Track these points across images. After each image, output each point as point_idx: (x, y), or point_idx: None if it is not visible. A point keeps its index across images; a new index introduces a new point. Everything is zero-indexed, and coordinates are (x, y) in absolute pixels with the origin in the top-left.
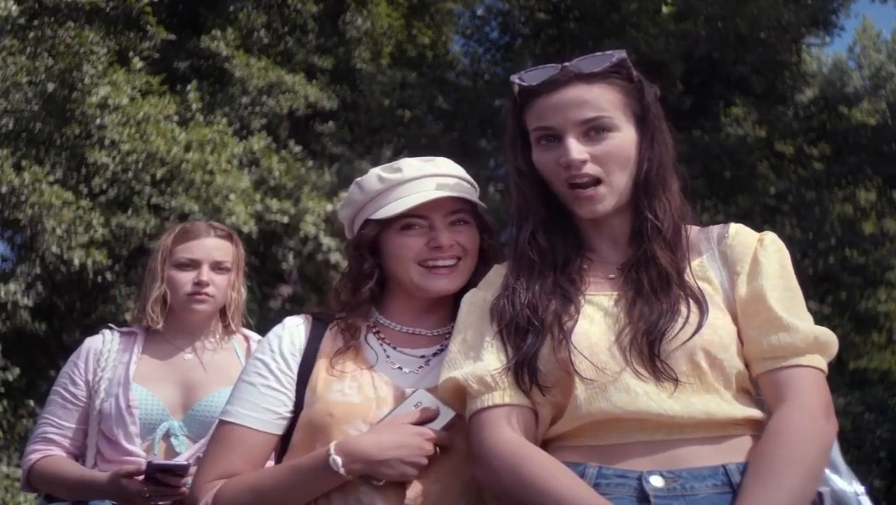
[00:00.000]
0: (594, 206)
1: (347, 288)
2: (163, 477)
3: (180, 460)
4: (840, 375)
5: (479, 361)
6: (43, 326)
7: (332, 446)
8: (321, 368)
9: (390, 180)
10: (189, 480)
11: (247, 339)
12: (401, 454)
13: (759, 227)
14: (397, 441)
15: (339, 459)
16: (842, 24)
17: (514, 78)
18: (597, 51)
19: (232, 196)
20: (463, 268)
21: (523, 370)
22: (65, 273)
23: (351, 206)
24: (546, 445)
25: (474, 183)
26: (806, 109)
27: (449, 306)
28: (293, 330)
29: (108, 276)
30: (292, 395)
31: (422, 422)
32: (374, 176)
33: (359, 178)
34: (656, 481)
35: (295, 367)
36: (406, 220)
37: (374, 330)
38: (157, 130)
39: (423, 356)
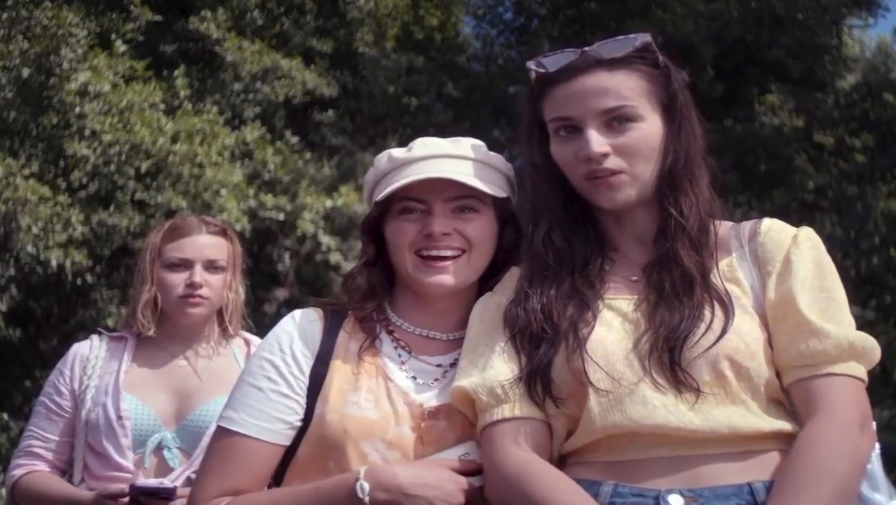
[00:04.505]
0: (614, 193)
1: (354, 278)
2: (147, 501)
3: (166, 483)
4: (884, 385)
5: (489, 370)
6: (17, 333)
7: (362, 471)
8: (335, 372)
9: (397, 159)
10: (177, 503)
11: (247, 343)
12: (432, 495)
13: (796, 225)
14: (433, 481)
15: (366, 486)
16: (886, 3)
17: (531, 64)
18: (620, 33)
19: (223, 191)
20: (467, 262)
21: (536, 381)
22: (41, 275)
23: (367, 186)
24: (563, 460)
25: (509, 172)
26: (847, 97)
27: (467, 307)
28: (306, 326)
29: (89, 278)
30: (303, 401)
31: (462, 472)
32: (386, 154)
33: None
34: (675, 501)
35: (307, 369)
36: (404, 204)
37: (388, 329)
38: (141, 120)
39: (439, 365)
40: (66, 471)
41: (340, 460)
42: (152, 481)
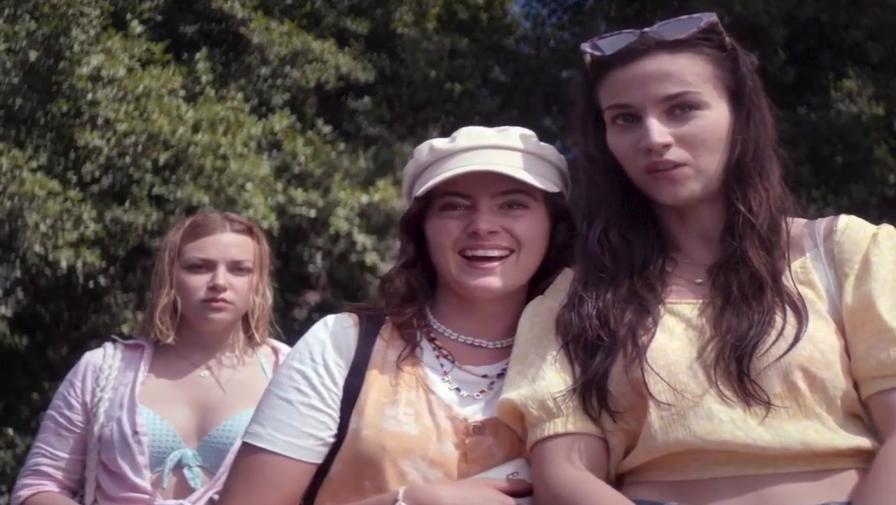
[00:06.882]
0: (676, 187)
1: (391, 280)
2: None
3: (186, 504)
4: None
5: (540, 381)
6: (24, 341)
7: (400, 491)
8: (372, 383)
9: (440, 150)
10: None
11: (275, 351)
12: None
13: (875, 222)
14: (478, 502)
15: None
16: None
17: (586, 46)
18: (683, 12)
19: (249, 185)
20: (516, 263)
21: (591, 393)
22: (50, 277)
23: (406, 180)
24: (620, 479)
25: (562, 165)
26: None
27: (515, 313)
28: (340, 333)
29: (102, 280)
30: (337, 415)
31: (510, 493)
32: (427, 145)
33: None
34: None
35: (341, 380)
36: (446, 199)
37: (429, 336)
38: (159, 107)
39: (485, 375)
40: (77, 491)
41: (377, 480)
42: (171, 503)
